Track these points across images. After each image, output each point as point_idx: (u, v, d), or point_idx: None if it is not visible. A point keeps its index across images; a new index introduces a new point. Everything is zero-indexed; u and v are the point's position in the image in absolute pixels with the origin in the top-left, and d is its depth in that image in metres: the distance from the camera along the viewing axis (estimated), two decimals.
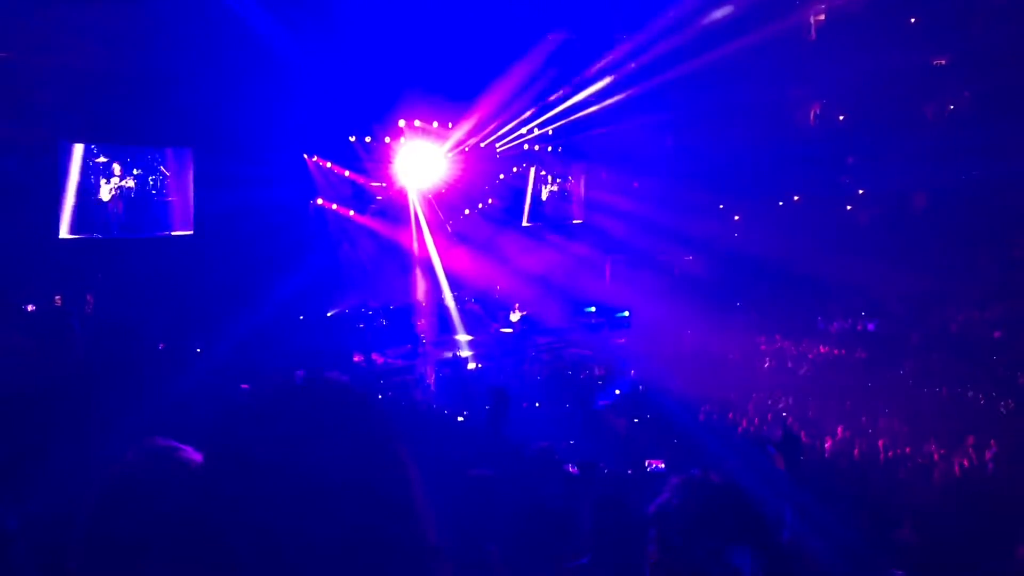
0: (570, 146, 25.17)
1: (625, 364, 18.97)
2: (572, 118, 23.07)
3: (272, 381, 1.13)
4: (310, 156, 19.72)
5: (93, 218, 16.27)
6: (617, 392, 16.01)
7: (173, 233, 17.40)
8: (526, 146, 24.00)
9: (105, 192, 16.40)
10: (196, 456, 1.81)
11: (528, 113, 22.14)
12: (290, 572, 1.01)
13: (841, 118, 25.30)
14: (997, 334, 20.28)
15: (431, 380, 17.78)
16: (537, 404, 15.30)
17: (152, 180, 17.08)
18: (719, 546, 1.94)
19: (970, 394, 16.76)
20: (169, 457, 1.81)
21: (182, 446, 1.85)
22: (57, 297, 15.35)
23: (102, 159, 16.36)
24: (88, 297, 15.69)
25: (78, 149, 16.03)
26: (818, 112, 25.62)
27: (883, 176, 24.04)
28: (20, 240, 14.34)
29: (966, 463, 12.12)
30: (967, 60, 21.91)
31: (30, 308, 14.80)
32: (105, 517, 1.76)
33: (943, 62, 22.99)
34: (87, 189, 16.16)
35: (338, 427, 1.09)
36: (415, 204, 21.38)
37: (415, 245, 21.64)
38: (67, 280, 15.58)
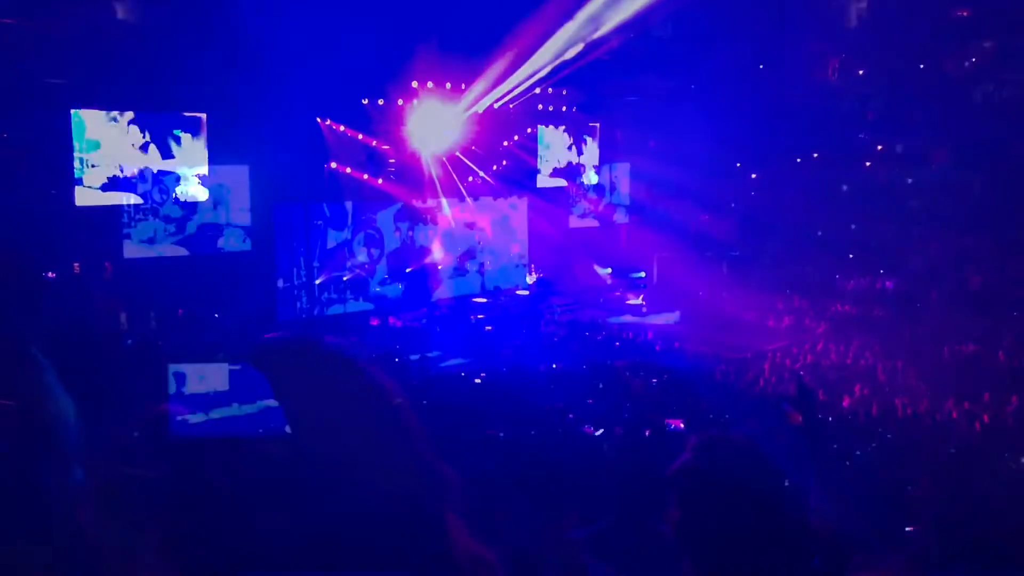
0: (585, 106, 24.93)
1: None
2: (587, 78, 22.80)
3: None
4: (323, 120, 19.61)
5: (107, 185, 16.29)
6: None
7: (187, 199, 17.41)
8: (540, 106, 23.79)
9: (119, 158, 16.38)
10: (196, 420, 1.83)
11: (542, 73, 21.88)
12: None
13: (860, 72, 24.88)
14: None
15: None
16: (555, 366, 15.33)
17: (166, 146, 17.05)
18: (739, 505, 1.93)
19: (990, 351, 16.64)
20: (170, 422, 1.83)
21: (182, 410, 1.86)
22: (76, 264, 15.46)
23: (115, 125, 16.33)
24: (107, 265, 15.79)
25: (91, 116, 16.01)
26: (837, 67, 25.20)
27: (902, 132, 23.70)
28: (37, 208, 14.39)
29: (986, 419, 12.07)
30: (990, 12, 21.45)
31: (50, 275, 14.93)
32: (113, 483, 1.78)
33: (965, 14, 22.53)
34: (100, 156, 16.15)
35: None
36: (429, 166, 21.28)
37: (430, 207, 21.60)
38: (84, 247, 15.66)
